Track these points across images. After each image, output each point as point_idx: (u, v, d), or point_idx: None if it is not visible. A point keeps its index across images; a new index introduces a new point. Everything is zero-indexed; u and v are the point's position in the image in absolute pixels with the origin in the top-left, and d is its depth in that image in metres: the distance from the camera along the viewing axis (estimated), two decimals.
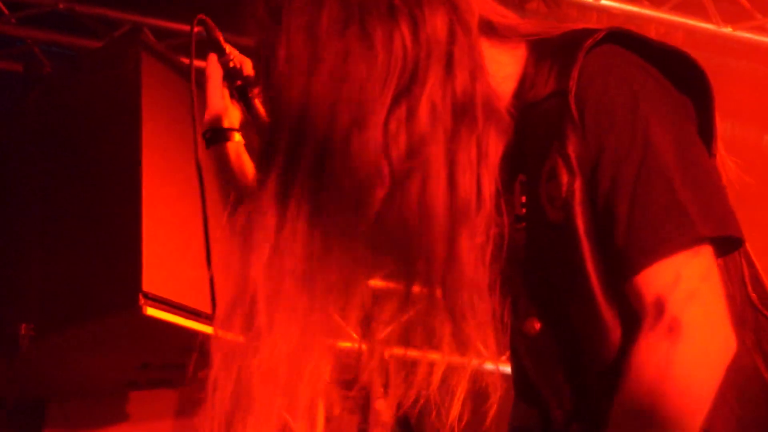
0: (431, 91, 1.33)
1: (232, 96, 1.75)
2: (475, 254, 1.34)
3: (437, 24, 1.35)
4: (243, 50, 1.74)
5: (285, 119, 1.36)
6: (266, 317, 1.35)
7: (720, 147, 1.45)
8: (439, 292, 1.35)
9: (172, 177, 3.68)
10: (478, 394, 1.38)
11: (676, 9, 5.08)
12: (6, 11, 4.88)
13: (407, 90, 1.33)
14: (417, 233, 1.33)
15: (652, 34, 5.33)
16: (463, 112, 1.35)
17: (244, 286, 1.36)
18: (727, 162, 1.46)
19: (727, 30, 5.09)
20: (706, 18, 5.08)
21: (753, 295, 1.45)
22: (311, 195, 1.34)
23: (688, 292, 1.29)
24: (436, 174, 1.33)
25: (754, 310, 1.45)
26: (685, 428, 1.28)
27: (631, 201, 1.32)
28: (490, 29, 1.44)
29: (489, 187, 1.36)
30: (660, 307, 1.30)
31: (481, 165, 1.35)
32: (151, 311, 3.59)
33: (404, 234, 1.33)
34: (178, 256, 3.62)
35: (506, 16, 1.47)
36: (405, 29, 1.34)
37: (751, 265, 1.47)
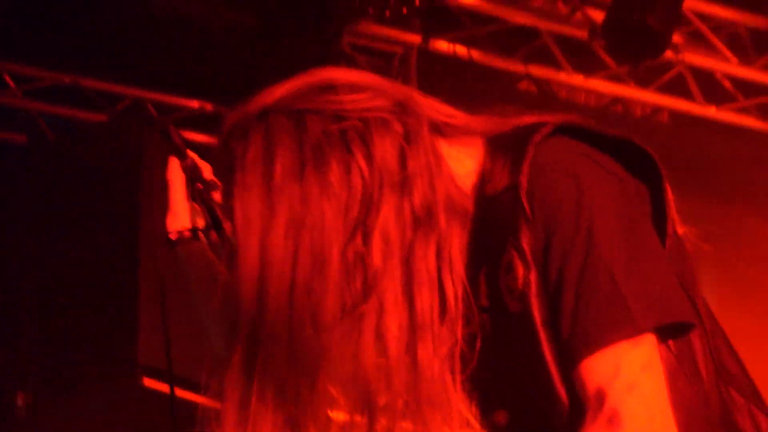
0: (384, 222, 1.34)
1: (193, 199, 1.78)
2: (439, 365, 1.35)
3: (387, 150, 1.36)
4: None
5: (245, 285, 1.34)
6: None
7: (677, 225, 1.43)
8: (400, 409, 1.35)
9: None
10: None
11: (661, 89, 5.14)
12: (12, 84, 4.93)
13: (364, 222, 1.34)
14: (375, 362, 1.33)
15: (638, 113, 5.38)
16: (423, 224, 1.36)
17: None
18: (690, 236, 1.45)
19: (711, 110, 5.15)
20: (691, 98, 5.14)
21: (719, 369, 1.43)
22: (275, 362, 1.35)
23: (627, 383, 1.28)
24: (391, 304, 1.33)
25: (722, 383, 1.43)
26: None
27: (575, 293, 1.31)
28: (444, 130, 1.44)
29: (453, 290, 1.37)
30: (600, 399, 1.29)
31: (442, 271, 1.36)
32: (149, 382, 3.57)
33: (364, 365, 1.33)
34: (175, 328, 3.56)
35: (455, 116, 1.46)
36: (361, 160, 1.35)
37: (720, 337, 1.46)
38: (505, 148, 1.42)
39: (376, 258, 1.34)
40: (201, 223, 1.80)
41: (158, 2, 4.63)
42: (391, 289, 1.34)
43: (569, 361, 1.31)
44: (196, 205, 1.78)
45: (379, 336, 1.33)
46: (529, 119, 1.44)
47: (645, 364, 1.29)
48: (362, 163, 1.35)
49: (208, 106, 4.92)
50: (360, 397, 1.36)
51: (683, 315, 1.34)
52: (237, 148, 1.39)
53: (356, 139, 1.36)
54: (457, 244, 1.39)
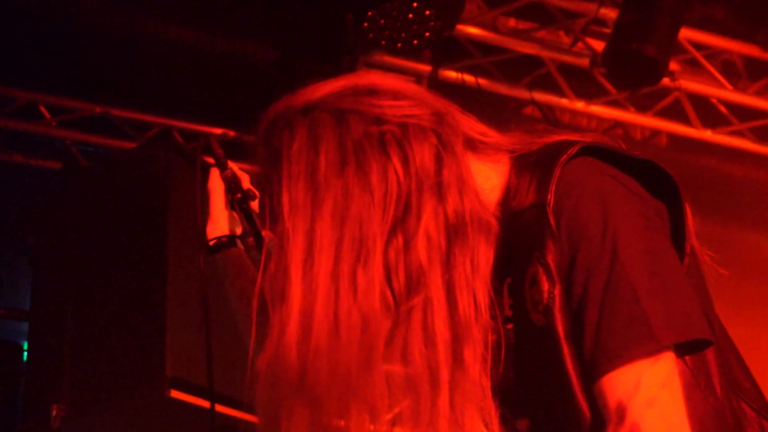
0: (426, 223, 1.34)
1: (232, 207, 1.78)
2: (478, 366, 1.34)
3: (425, 155, 1.36)
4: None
5: (292, 265, 1.33)
6: None
7: (695, 243, 1.44)
8: (445, 407, 1.33)
9: (195, 267, 3.66)
10: None
11: (660, 114, 5.14)
12: (47, 115, 4.96)
13: (402, 221, 1.34)
14: (423, 359, 1.32)
15: (637, 137, 5.40)
16: (456, 233, 1.36)
17: None
18: (704, 256, 1.46)
19: (707, 134, 5.13)
20: (688, 123, 5.13)
21: (732, 383, 1.44)
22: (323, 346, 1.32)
23: (647, 399, 1.27)
24: (437, 301, 1.33)
25: (734, 396, 1.44)
26: None
27: (599, 310, 1.31)
28: (475, 146, 1.45)
29: (484, 298, 1.36)
30: (621, 414, 1.28)
31: (475, 279, 1.36)
32: (176, 393, 3.55)
33: (413, 360, 1.33)
34: (201, 343, 3.59)
35: (488, 134, 1.47)
36: (397, 163, 1.35)
37: (732, 352, 1.47)
38: (532, 166, 1.42)
39: (422, 256, 1.33)
40: (239, 230, 1.81)
41: (183, 38, 4.62)
42: (436, 287, 1.33)
43: (591, 375, 1.30)
44: (234, 214, 1.78)
45: (427, 332, 1.32)
46: (557, 137, 1.44)
47: (664, 380, 1.29)
48: (398, 166, 1.35)
49: (231, 133, 4.95)
50: (408, 392, 1.33)
51: (701, 332, 1.32)
52: (282, 139, 1.39)
53: (393, 143, 1.36)
54: (483, 255, 1.38)
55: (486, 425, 1.36)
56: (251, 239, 1.72)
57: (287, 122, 1.39)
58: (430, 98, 1.43)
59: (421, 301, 1.32)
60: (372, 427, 1.34)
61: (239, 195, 1.75)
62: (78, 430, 3.75)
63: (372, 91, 1.40)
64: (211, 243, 1.79)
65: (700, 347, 1.36)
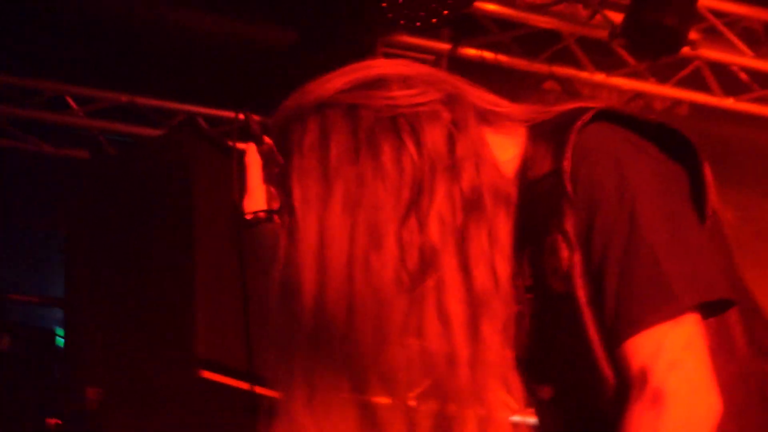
0: (439, 204, 1.34)
1: (270, 182, 1.76)
2: (498, 338, 1.34)
3: (437, 137, 1.36)
4: None
5: (305, 262, 1.34)
6: None
7: (716, 208, 1.41)
8: (467, 382, 1.32)
9: (221, 249, 3.67)
10: None
11: (680, 84, 5.10)
12: (74, 105, 5.00)
13: (416, 203, 1.33)
14: (439, 338, 1.32)
15: (658, 107, 5.35)
16: (473, 207, 1.35)
17: None
18: (728, 217, 1.43)
19: (729, 102, 5.10)
20: (709, 91, 5.10)
21: (759, 345, 1.41)
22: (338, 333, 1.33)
23: (670, 362, 1.26)
24: (449, 280, 1.32)
25: (761, 358, 1.40)
26: None
27: (618, 275, 1.30)
28: (489, 119, 1.43)
29: (504, 270, 1.35)
30: (644, 378, 1.27)
31: (494, 251, 1.35)
32: (206, 373, 3.58)
33: (429, 341, 1.32)
34: (230, 323, 3.60)
35: (500, 104, 1.45)
36: (411, 145, 1.35)
37: (758, 314, 1.44)
38: (547, 134, 1.41)
39: (434, 237, 1.32)
40: (276, 205, 1.77)
41: (204, 25, 4.66)
42: (450, 267, 1.32)
43: (613, 340, 1.30)
44: (272, 189, 1.75)
45: (441, 311, 1.32)
46: (571, 106, 1.42)
47: (687, 342, 1.27)
48: (412, 148, 1.34)
49: (255, 117, 5.02)
50: (428, 370, 1.33)
51: (723, 292, 1.32)
52: (294, 134, 1.40)
53: (406, 126, 1.36)
54: (503, 226, 1.37)
55: (511, 395, 1.35)
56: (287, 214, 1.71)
57: (299, 118, 1.40)
58: (439, 79, 1.42)
59: (434, 281, 1.32)
60: (396, 402, 1.35)
61: (277, 170, 1.73)
62: (114, 411, 3.81)
63: (381, 83, 1.39)
64: (248, 217, 1.74)
65: (723, 308, 1.33)
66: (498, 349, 1.33)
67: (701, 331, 1.30)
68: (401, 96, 1.38)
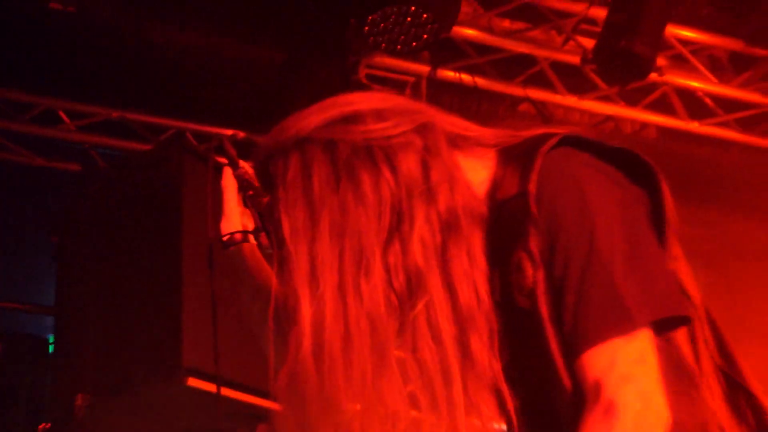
0: (419, 227, 1.35)
1: (245, 204, 1.77)
2: (486, 352, 1.36)
3: (411, 164, 1.38)
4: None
5: (299, 286, 1.36)
6: None
7: (674, 228, 1.43)
8: (460, 396, 1.34)
9: (209, 262, 3.65)
10: None
11: (648, 107, 5.13)
12: (67, 120, 4.99)
13: (398, 229, 1.35)
14: (432, 353, 1.34)
15: (627, 130, 5.39)
16: (450, 228, 1.37)
17: None
18: (691, 234, 1.46)
19: (694, 125, 5.13)
20: (675, 115, 5.13)
21: (714, 357, 1.43)
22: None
23: (622, 375, 1.27)
24: (437, 299, 1.34)
25: (716, 370, 1.43)
26: None
27: (576, 292, 1.32)
28: (461, 144, 1.46)
29: (484, 286, 1.38)
30: (597, 390, 1.28)
31: (474, 269, 1.37)
32: (192, 381, 3.55)
33: (423, 358, 1.34)
34: (222, 330, 3.58)
35: (471, 129, 1.48)
36: (387, 173, 1.37)
37: (716, 331, 1.46)
38: (515, 158, 1.42)
39: (418, 259, 1.34)
40: (251, 227, 1.78)
41: (194, 43, 4.64)
42: (435, 286, 1.34)
43: (572, 354, 1.31)
44: (248, 211, 1.76)
45: (432, 329, 1.33)
46: (538, 131, 1.45)
47: (639, 357, 1.28)
48: (389, 175, 1.37)
49: (241, 134, 5.00)
50: (431, 396, 1.34)
51: (677, 309, 1.33)
52: (277, 169, 1.42)
53: (381, 155, 1.38)
54: (479, 243, 1.39)
55: (504, 405, 1.37)
56: (263, 235, 1.71)
57: (282, 153, 1.43)
58: (412, 109, 1.44)
59: (424, 302, 1.34)
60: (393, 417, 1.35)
61: (251, 192, 1.73)
62: (101, 417, 3.76)
63: (356, 117, 1.42)
64: (224, 238, 1.77)
65: (679, 324, 1.36)
66: (486, 362, 1.35)
67: (653, 347, 1.31)
68: (376, 129, 1.40)
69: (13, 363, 4.41)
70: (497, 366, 1.37)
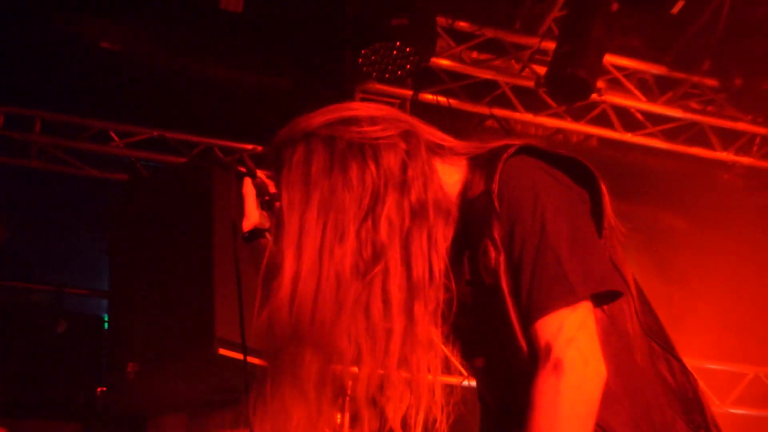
0: (389, 210, 1.37)
1: (262, 207, 1.80)
2: (428, 318, 1.36)
3: (392, 161, 1.40)
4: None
5: (287, 245, 1.38)
6: None
7: (611, 221, 1.44)
8: (396, 349, 1.34)
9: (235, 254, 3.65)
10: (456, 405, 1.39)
11: (591, 122, 5.13)
12: (116, 138, 4.98)
13: (372, 210, 1.37)
14: (381, 314, 1.34)
15: (573, 140, 5.39)
16: (418, 215, 1.38)
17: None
18: (619, 229, 1.47)
19: (628, 136, 5.12)
20: (612, 128, 5.12)
21: (644, 326, 1.45)
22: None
23: (567, 338, 1.29)
24: (393, 269, 1.35)
25: (646, 336, 1.44)
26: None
27: (531, 272, 1.34)
28: (438, 151, 1.47)
29: (438, 265, 1.38)
30: (548, 351, 1.30)
31: (431, 251, 1.38)
32: (223, 351, 3.55)
33: (374, 317, 1.34)
34: (247, 307, 3.57)
35: (447, 140, 1.49)
36: (372, 166, 1.39)
37: (644, 303, 1.47)
38: (482, 164, 1.44)
39: (383, 235, 1.36)
40: (266, 224, 1.79)
41: (220, 74, 4.66)
42: (394, 259, 1.35)
43: (527, 322, 1.34)
44: (264, 212, 1.77)
45: (385, 294, 1.34)
46: (501, 142, 1.47)
47: (581, 323, 1.31)
48: (373, 168, 1.39)
49: (259, 148, 4.96)
50: (372, 345, 1.34)
51: (612, 285, 1.35)
52: (285, 154, 1.44)
53: (370, 152, 1.40)
54: (441, 232, 1.40)
55: (439, 364, 1.37)
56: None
57: (291, 143, 1.44)
58: (400, 119, 1.47)
59: (381, 270, 1.35)
60: (340, 367, 1.36)
61: (267, 197, 1.77)
62: (147, 380, 3.78)
63: (354, 120, 1.43)
64: (246, 234, 1.79)
65: (614, 297, 1.38)
66: (426, 326, 1.35)
67: (593, 316, 1.33)
68: (368, 131, 1.42)
69: (75, 338, 4.41)
70: (437, 331, 1.37)
